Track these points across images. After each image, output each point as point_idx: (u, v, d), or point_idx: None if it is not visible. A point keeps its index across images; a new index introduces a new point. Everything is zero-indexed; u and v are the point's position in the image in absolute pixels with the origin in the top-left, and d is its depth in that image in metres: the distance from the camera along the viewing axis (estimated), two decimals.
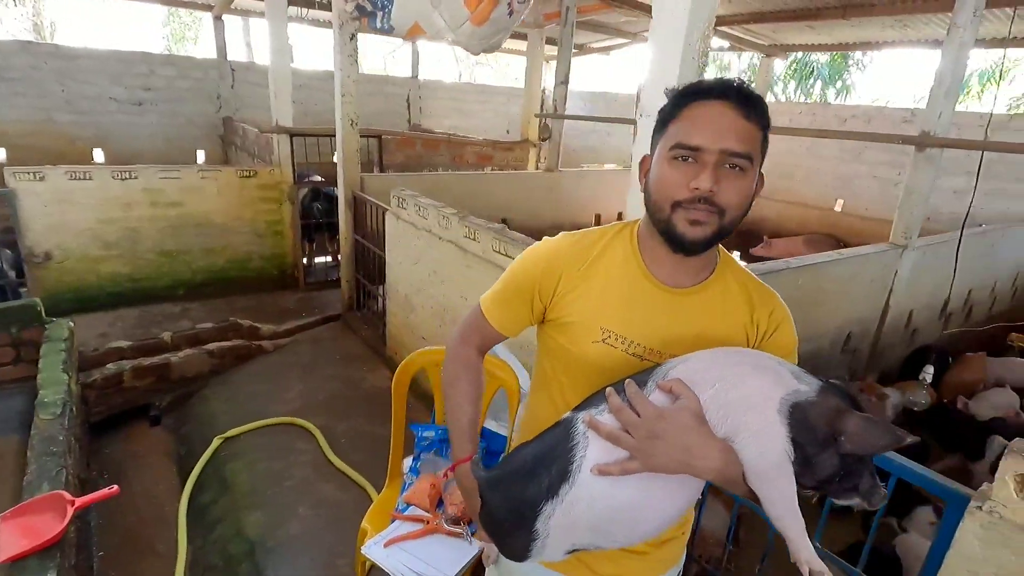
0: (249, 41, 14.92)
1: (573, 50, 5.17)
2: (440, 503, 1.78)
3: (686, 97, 0.88)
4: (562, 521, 0.84)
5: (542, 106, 6.14)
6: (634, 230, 1.01)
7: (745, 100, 0.85)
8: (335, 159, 5.34)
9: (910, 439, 0.70)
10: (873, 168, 6.17)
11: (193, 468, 2.79)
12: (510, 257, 2.42)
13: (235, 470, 2.78)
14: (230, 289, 4.85)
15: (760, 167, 0.90)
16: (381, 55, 15.46)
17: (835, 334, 2.91)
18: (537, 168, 6.10)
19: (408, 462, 2.06)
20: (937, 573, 1.24)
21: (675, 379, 0.82)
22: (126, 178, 4.23)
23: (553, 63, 5.74)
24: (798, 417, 0.75)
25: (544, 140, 5.32)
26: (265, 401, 3.32)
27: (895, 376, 3.50)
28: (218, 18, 6.92)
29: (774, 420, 0.75)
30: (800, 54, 10.38)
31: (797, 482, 0.76)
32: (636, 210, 1.74)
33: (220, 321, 3.98)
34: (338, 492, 2.65)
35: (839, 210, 6.43)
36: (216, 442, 2.94)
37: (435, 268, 3.03)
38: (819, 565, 0.75)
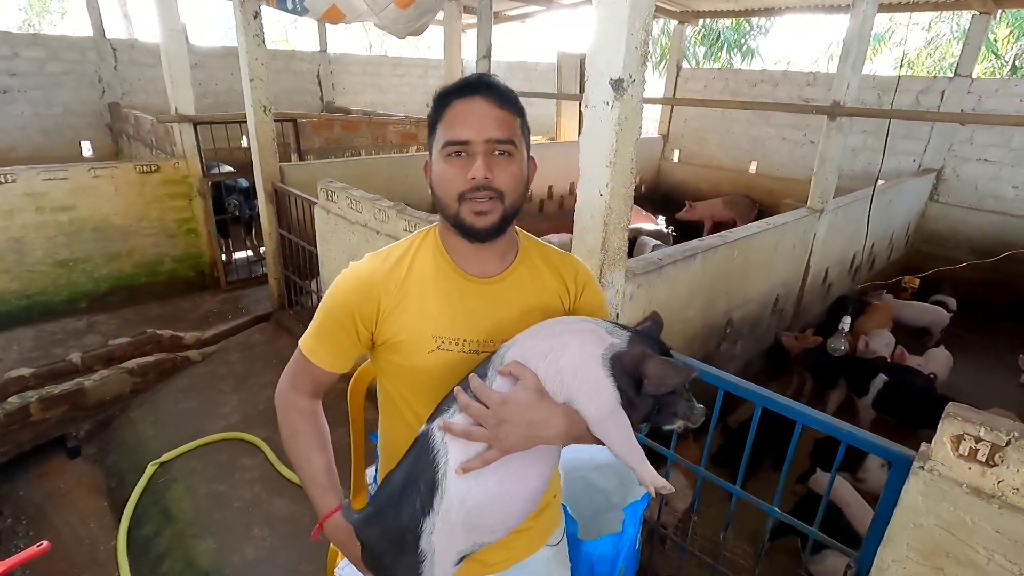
0: (127, 12, 13.41)
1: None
2: None
3: (445, 99, 0.95)
4: (443, 531, 0.88)
5: None
6: (435, 234, 1.05)
7: (498, 93, 0.94)
8: (244, 145, 4.97)
9: (695, 374, 0.84)
10: (781, 130, 6.52)
11: (127, 500, 2.57)
12: None
13: (175, 497, 2.59)
14: (141, 296, 4.45)
15: (527, 151, 1.00)
16: (283, 25, 14.38)
17: (765, 298, 3.09)
18: None
19: (371, 472, 2.00)
20: (887, 525, 1.37)
21: (512, 361, 0.89)
22: (2, 182, 3.72)
23: (468, 32, 5.57)
24: (617, 367, 0.86)
25: None
26: (199, 418, 3.10)
27: (816, 328, 3.78)
28: None
29: (600, 375, 0.86)
30: (707, 20, 10.68)
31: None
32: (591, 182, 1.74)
33: (136, 334, 3.65)
34: (293, 506, 2.55)
35: (753, 171, 6.77)
36: (150, 469, 2.73)
37: None
38: (661, 482, 0.86)
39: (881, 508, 1.40)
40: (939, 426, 1.26)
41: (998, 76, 8.77)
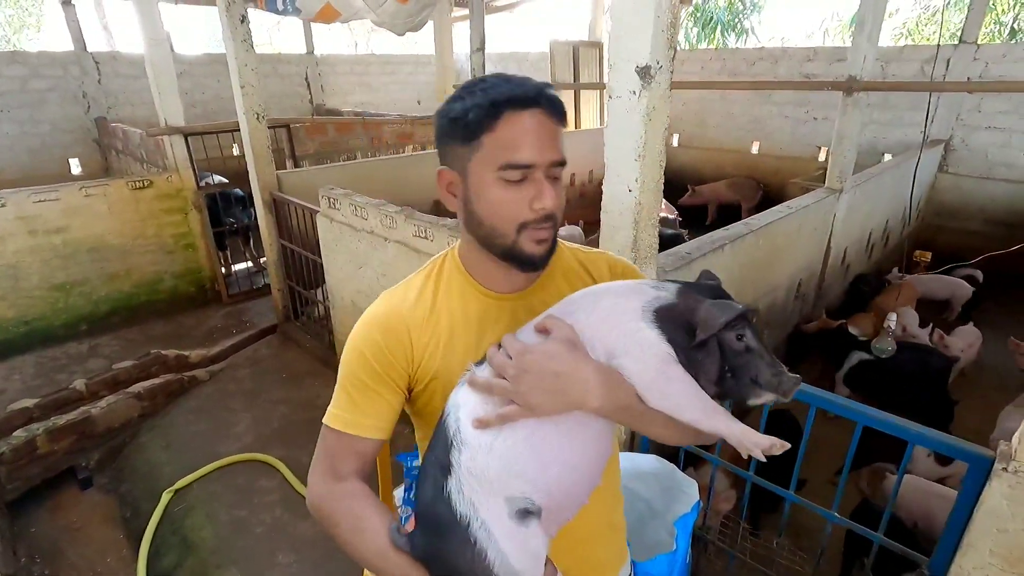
0: (106, 24, 13.16)
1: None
2: None
3: (499, 107, 0.80)
4: (471, 484, 0.73)
5: (458, 76, 5.83)
6: (453, 257, 0.95)
7: (555, 105, 0.83)
8: (236, 153, 4.84)
9: (742, 307, 0.71)
10: (782, 108, 6.40)
11: (144, 530, 2.48)
12: None
13: (195, 525, 2.50)
14: (142, 316, 4.34)
15: None
16: (265, 27, 14.14)
17: (788, 284, 2.99)
18: None
19: (399, 493, 1.90)
20: (965, 531, 1.28)
21: (547, 315, 0.80)
22: None
23: (456, 25, 5.44)
24: (664, 319, 0.75)
25: None
26: (211, 440, 3.01)
27: (836, 310, 3.69)
28: (67, 1, 5.97)
29: (639, 328, 0.75)
30: (699, 1, 10.50)
31: None
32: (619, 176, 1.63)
33: (140, 355, 3.54)
34: (317, 528, 2.45)
35: (756, 152, 6.66)
36: (165, 497, 2.63)
37: (384, 271, 2.80)
38: (767, 441, 0.70)
39: (956, 512, 1.31)
40: (1023, 424, 1.17)
41: (999, 41, 8.64)
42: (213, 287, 4.68)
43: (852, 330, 2.99)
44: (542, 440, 0.75)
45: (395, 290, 0.95)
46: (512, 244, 0.84)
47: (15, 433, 2.76)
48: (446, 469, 0.75)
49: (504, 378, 0.74)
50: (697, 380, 0.73)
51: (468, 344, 0.90)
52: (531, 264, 0.85)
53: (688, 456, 1.95)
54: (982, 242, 4.55)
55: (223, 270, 4.74)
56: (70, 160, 6.23)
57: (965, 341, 3.17)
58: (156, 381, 3.31)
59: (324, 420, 0.90)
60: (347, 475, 0.88)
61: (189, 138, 4.25)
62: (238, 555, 2.33)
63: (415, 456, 1.86)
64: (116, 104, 6.43)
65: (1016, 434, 1.20)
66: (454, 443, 0.75)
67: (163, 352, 3.60)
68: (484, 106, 0.80)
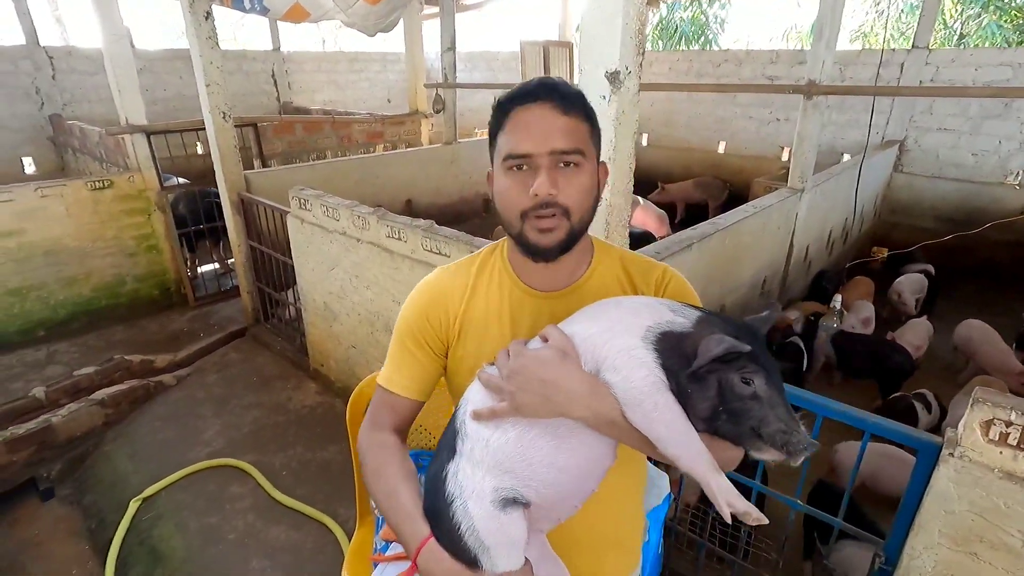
0: (59, 17, 12.65)
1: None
2: None
3: (506, 105, 0.88)
4: (467, 470, 0.81)
5: (428, 74, 5.81)
6: (504, 248, 1.01)
7: (562, 97, 0.86)
8: (200, 152, 4.73)
9: (748, 348, 0.67)
10: (747, 109, 6.58)
11: (111, 542, 2.41)
12: (444, 256, 2.26)
13: (164, 535, 2.45)
14: (103, 321, 4.20)
15: (597, 158, 0.91)
16: (230, 23, 13.78)
17: (754, 280, 3.09)
18: (430, 141, 5.81)
19: None
20: (915, 513, 1.36)
21: (550, 326, 0.83)
22: None
23: (426, 23, 5.42)
24: (667, 344, 0.73)
25: (438, 112, 5.05)
26: (180, 447, 2.94)
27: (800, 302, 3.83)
28: None
29: (635, 346, 0.74)
30: (664, 12, 10.64)
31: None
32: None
33: (103, 361, 3.43)
34: (292, 532, 2.43)
35: (722, 151, 6.82)
36: (133, 506, 2.57)
37: (356, 273, 2.78)
38: (742, 505, 0.68)
39: (908, 496, 1.38)
40: (967, 412, 1.25)
41: (947, 47, 9.03)
42: (179, 290, 4.56)
43: (791, 314, 3.15)
44: (531, 441, 0.78)
45: (448, 267, 1.04)
46: (519, 233, 0.88)
47: None
48: (452, 452, 0.83)
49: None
50: (686, 408, 0.71)
51: (502, 334, 0.96)
52: (538, 254, 0.88)
53: None
54: (932, 238, 4.77)
55: (189, 272, 4.62)
56: (23, 159, 5.98)
57: (918, 338, 3.32)
58: (120, 387, 3.22)
59: (377, 378, 1.04)
60: (383, 427, 1.00)
61: (151, 137, 4.14)
62: (210, 563, 2.29)
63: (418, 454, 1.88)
64: (72, 101, 6.20)
65: (961, 421, 1.28)
66: (460, 432, 0.83)
67: (127, 357, 3.50)
68: (497, 108, 0.90)
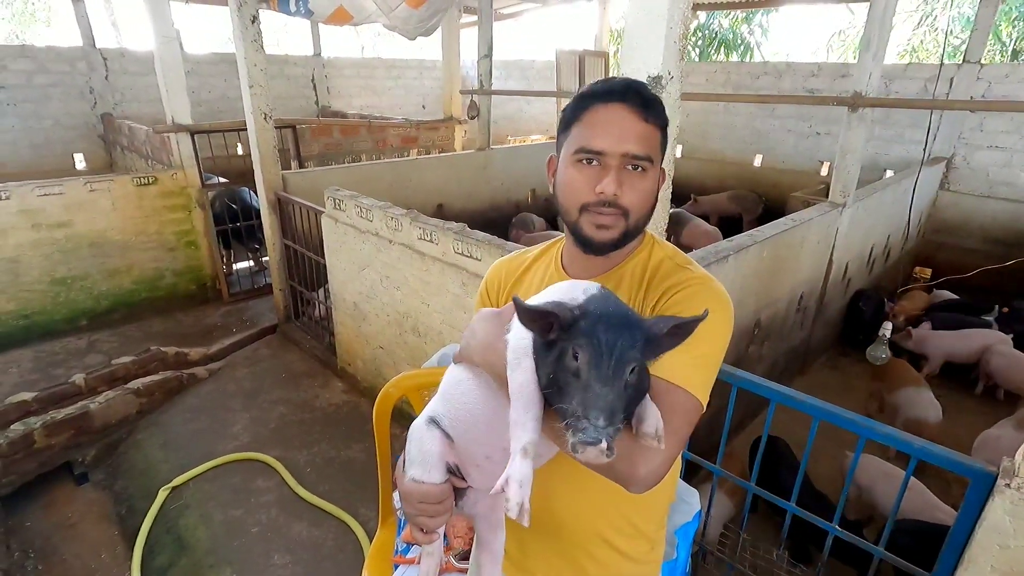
0: (115, 21, 13.23)
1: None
2: (444, 538, 1.65)
3: (587, 99, 0.90)
4: (434, 395, 0.93)
5: (464, 82, 5.86)
6: (562, 242, 1.05)
7: (644, 102, 0.87)
8: (240, 153, 4.85)
9: (571, 309, 0.69)
10: (785, 122, 6.43)
11: (139, 529, 2.47)
12: (475, 259, 2.25)
13: (190, 524, 2.49)
14: (142, 313, 4.33)
15: (660, 165, 0.93)
16: (273, 29, 14.21)
17: (791, 296, 3.00)
18: (463, 147, 5.85)
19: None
20: (965, 548, 1.28)
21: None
22: None
23: (462, 31, 5.47)
24: (546, 318, 0.72)
25: (473, 118, 5.08)
26: (209, 439, 2.99)
27: (842, 322, 3.72)
28: None
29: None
30: (702, 20, 10.53)
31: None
32: None
33: (139, 352, 3.53)
34: (313, 530, 2.45)
35: (758, 165, 6.69)
36: (162, 494, 2.62)
37: (387, 273, 2.80)
38: (517, 497, 0.66)
39: (958, 527, 1.31)
40: None
41: (1000, 62, 8.71)
42: (214, 285, 4.67)
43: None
44: (464, 383, 0.88)
45: (510, 255, 1.14)
46: (575, 223, 0.91)
47: (12, 426, 2.74)
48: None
49: None
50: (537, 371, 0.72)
51: None
52: (591, 247, 0.92)
53: (690, 466, 1.95)
54: (981, 260, 4.56)
55: (224, 269, 4.73)
56: (74, 155, 6.23)
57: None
58: (155, 378, 3.30)
59: None
60: None
61: (195, 136, 4.26)
62: (233, 556, 2.32)
63: None
64: (123, 101, 6.45)
65: (1020, 450, 1.20)
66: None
67: (162, 349, 3.59)
68: (576, 100, 0.92)
